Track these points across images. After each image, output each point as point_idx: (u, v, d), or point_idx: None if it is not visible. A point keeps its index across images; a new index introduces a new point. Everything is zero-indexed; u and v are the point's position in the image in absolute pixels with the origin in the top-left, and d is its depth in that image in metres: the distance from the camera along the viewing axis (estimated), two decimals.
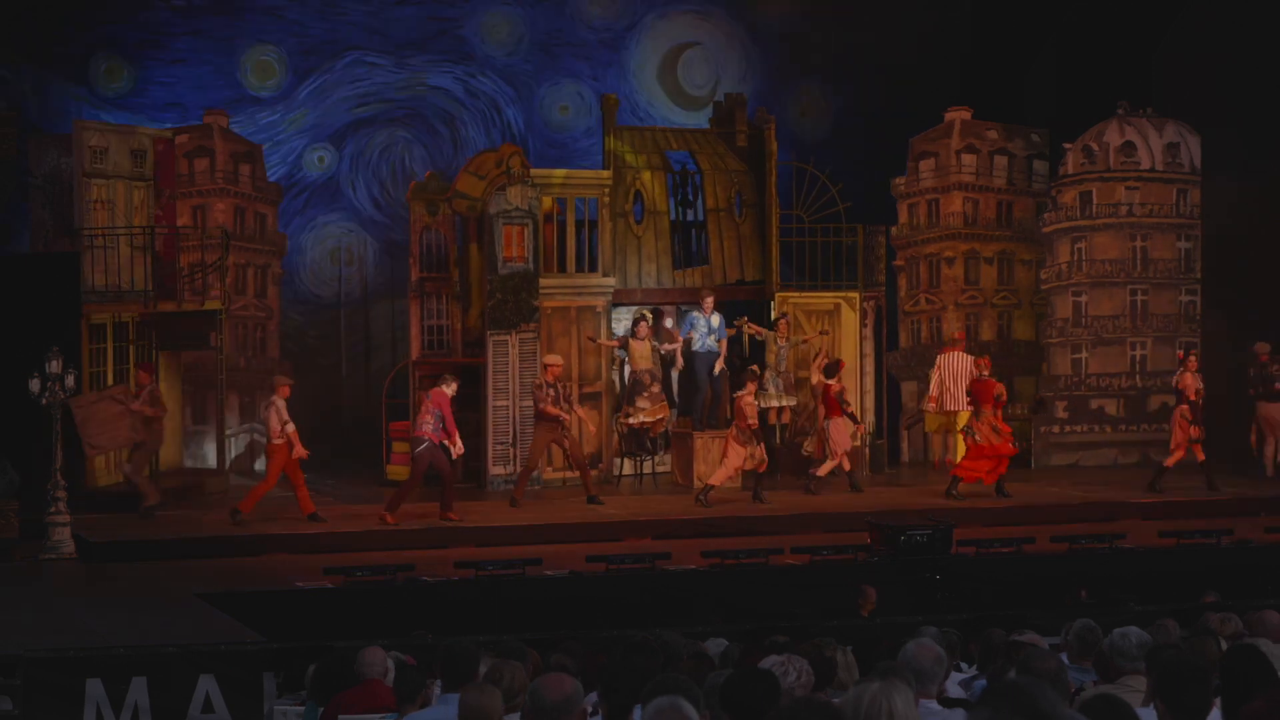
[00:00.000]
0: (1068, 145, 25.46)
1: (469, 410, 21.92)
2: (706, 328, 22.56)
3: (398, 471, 21.96)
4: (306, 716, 9.91)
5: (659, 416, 22.43)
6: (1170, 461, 21.57)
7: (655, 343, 22.62)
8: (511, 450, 22.21)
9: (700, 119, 26.28)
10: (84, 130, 22.29)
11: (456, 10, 26.65)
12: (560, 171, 23.59)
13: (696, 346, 22.59)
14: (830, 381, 21.79)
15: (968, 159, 25.81)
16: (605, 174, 23.17)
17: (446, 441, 19.44)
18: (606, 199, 23.11)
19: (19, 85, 24.46)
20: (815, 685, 7.18)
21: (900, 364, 25.83)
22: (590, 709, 6.80)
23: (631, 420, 22.32)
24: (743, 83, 26.83)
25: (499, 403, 22.18)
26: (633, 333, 22.49)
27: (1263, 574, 16.56)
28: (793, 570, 17.20)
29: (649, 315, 22.73)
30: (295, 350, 25.64)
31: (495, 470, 22.26)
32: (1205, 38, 24.83)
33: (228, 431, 23.62)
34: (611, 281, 23.15)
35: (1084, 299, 25.33)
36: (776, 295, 23.53)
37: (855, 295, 23.90)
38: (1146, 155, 25.33)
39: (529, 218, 22.27)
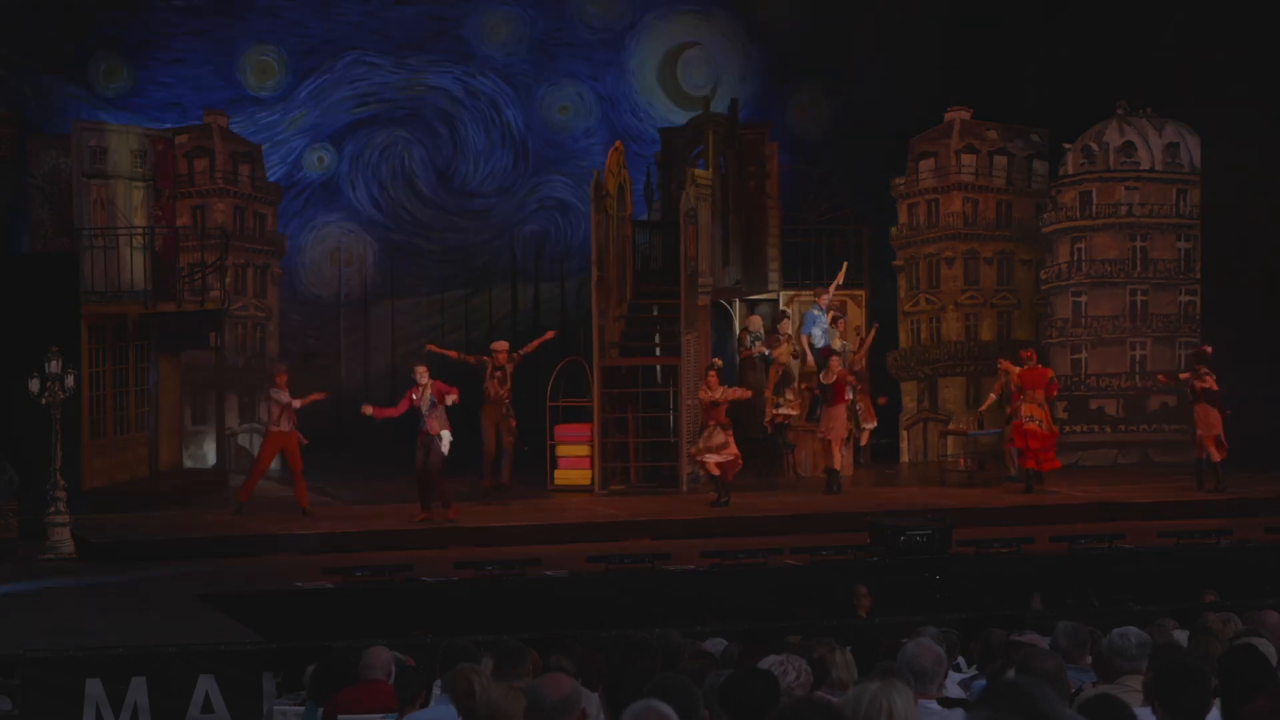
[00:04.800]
0: (1067, 145, 25.46)
1: (607, 411, 21.81)
2: (825, 323, 22.83)
3: (568, 477, 21.76)
4: (306, 717, 9.90)
5: (797, 411, 22.62)
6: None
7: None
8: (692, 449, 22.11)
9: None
10: (83, 130, 22.27)
11: (456, 10, 26.66)
12: (695, 172, 23.49)
13: (819, 344, 22.72)
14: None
15: (967, 159, 25.80)
16: (708, 174, 23.23)
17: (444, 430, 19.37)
18: (709, 200, 23.18)
19: (19, 85, 24.46)
20: (814, 684, 7.18)
21: (900, 364, 25.82)
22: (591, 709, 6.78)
23: (782, 411, 22.36)
24: (743, 83, 26.85)
25: (690, 401, 21.86)
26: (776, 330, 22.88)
27: (1262, 574, 16.56)
28: (792, 570, 17.20)
29: (788, 314, 22.95)
30: (295, 350, 25.63)
31: (689, 469, 21.91)
32: (1205, 38, 24.81)
33: (228, 431, 23.60)
34: (711, 281, 23.21)
35: (1084, 299, 25.32)
36: (781, 295, 23.59)
37: (862, 294, 23.96)
38: (1146, 155, 25.32)
39: (694, 218, 22.32)
